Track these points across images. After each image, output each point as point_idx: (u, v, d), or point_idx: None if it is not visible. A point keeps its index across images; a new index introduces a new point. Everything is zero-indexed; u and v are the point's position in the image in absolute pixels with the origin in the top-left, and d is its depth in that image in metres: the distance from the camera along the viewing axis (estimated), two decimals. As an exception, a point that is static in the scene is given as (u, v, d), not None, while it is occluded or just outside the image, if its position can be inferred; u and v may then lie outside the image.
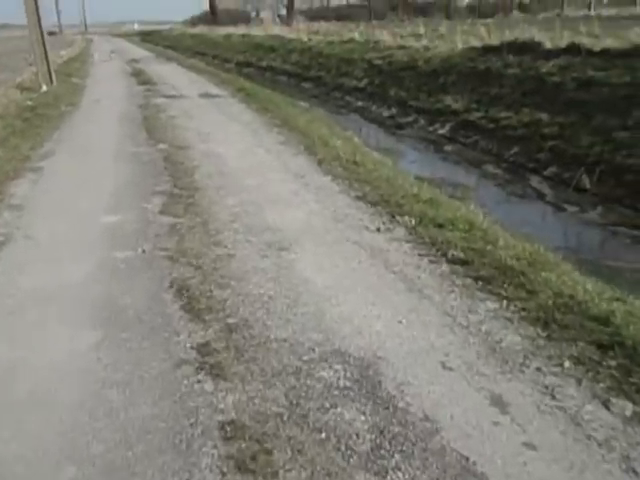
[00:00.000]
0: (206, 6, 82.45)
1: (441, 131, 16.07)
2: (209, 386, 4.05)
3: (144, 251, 6.24)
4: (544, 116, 13.61)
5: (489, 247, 6.19)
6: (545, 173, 11.89)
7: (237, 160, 9.92)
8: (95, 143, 11.60)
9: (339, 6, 65.55)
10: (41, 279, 5.66)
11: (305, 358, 4.37)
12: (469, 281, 5.55)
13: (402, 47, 23.04)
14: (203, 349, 4.45)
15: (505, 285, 5.39)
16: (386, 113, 18.90)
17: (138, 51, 45.39)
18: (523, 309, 4.98)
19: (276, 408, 3.84)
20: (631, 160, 10.54)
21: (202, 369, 4.22)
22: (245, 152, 10.50)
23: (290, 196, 7.98)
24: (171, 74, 25.07)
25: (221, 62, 35.86)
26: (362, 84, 21.99)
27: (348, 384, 4.11)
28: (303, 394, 3.99)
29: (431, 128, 16.49)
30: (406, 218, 6.96)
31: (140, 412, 3.79)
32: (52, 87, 19.11)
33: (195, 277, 5.63)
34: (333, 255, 6.14)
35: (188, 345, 4.51)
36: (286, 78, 28.25)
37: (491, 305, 5.12)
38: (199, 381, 4.09)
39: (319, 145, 10.61)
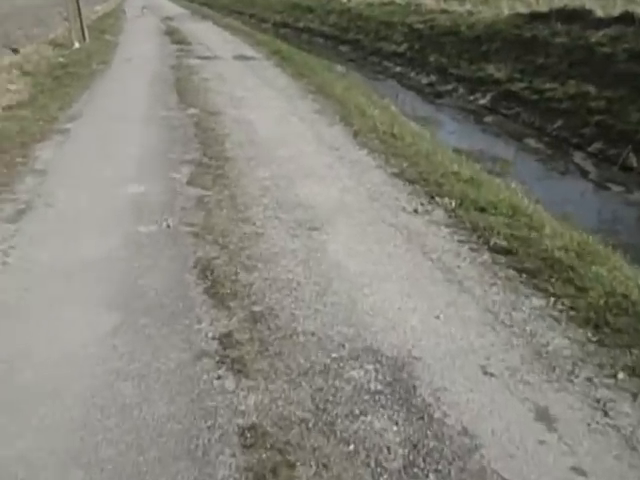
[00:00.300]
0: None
1: (481, 101, 15.55)
2: (230, 383, 3.77)
3: (169, 226, 5.95)
4: (591, 89, 13.04)
5: (534, 235, 5.80)
6: (589, 149, 11.41)
7: (269, 128, 9.55)
8: (124, 105, 11.30)
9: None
10: (60, 253, 5.41)
11: (334, 355, 4.07)
12: (513, 273, 5.18)
13: (445, 11, 22.27)
14: (225, 340, 4.17)
15: (552, 280, 5.02)
16: (425, 80, 18.34)
17: (173, 8, 44.66)
18: (572, 308, 4.61)
19: (301, 413, 3.56)
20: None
21: (223, 363, 3.94)
22: (278, 120, 10.12)
23: (323, 170, 7.62)
24: (206, 33, 24.59)
25: (257, 22, 35.23)
26: (401, 49, 21.37)
27: (380, 387, 3.80)
28: (331, 397, 3.69)
29: (471, 97, 15.96)
30: (446, 199, 6.57)
31: (155, 410, 3.52)
32: (84, 44, 18.81)
33: (220, 257, 5.33)
34: (367, 237, 5.80)
35: (210, 335, 4.23)
36: (323, 40, 27.59)
37: (537, 302, 4.75)
38: (219, 377, 3.82)
39: (356, 115, 10.19)
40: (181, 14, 38.06)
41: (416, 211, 6.39)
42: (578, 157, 11.24)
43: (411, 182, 7.18)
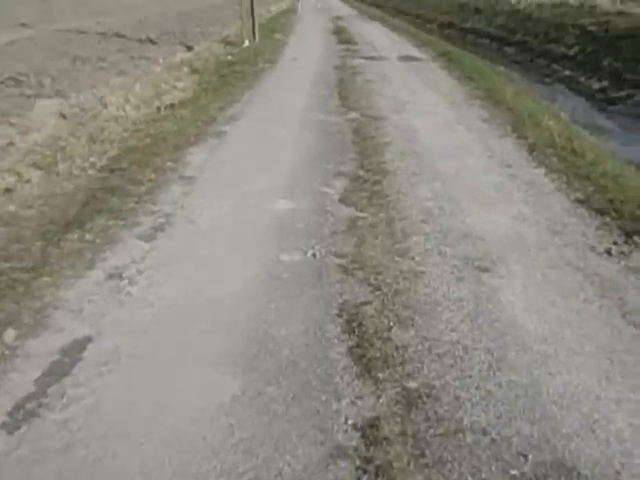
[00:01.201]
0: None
1: (661, 110, 13.46)
2: (372, 511, 2.62)
3: (315, 255, 4.87)
4: None
5: None
6: None
7: (433, 137, 8.27)
8: (284, 107, 10.31)
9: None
10: (190, 285, 4.45)
11: (513, 472, 2.82)
12: None
13: (621, 13, 19.95)
14: (370, 433, 3.02)
15: None
16: (596, 85, 16.28)
17: (343, 8, 43.90)
18: None
19: None
20: None
21: (365, 472, 2.79)
22: (443, 128, 8.80)
23: (493, 192, 6.27)
24: (372, 33, 23.41)
25: (423, 22, 33.67)
26: (571, 52, 19.27)
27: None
28: None
29: (650, 105, 13.88)
30: (647, 240, 5.06)
31: None
32: (254, 43, 18.19)
33: (372, 303, 4.19)
34: (549, 285, 4.45)
35: (350, 421, 3.10)
36: (488, 41, 25.68)
37: None
38: (359, 497, 2.68)
39: (529, 125, 8.65)
40: (350, 14, 37.24)
41: (609, 253, 4.94)
42: None
43: (600, 213, 5.67)
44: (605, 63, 17.08)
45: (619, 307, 4.18)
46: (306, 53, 17.30)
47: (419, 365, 3.54)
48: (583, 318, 4.05)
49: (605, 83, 16.09)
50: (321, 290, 4.36)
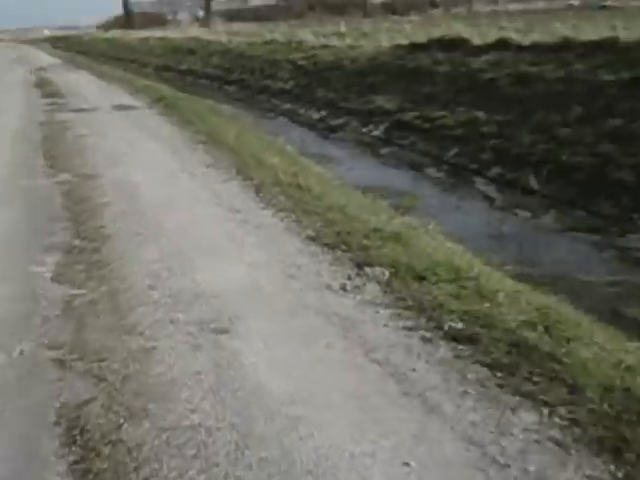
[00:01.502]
0: (120, 9, 78.70)
1: (375, 132, 14.76)
2: None
3: (22, 353, 4.18)
4: (481, 114, 12.42)
5: (489, 307, 4.41)
6: (489, 174, 10.69)
7: (156, 190, 7.84)
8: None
9: (257, 7, 63.82)
10: None
11: None
12: (485, 373, 3.74)
13: (325, 46, 21.48)
14: None
15: (534, 378, 3.63)
16: (315, 115, 17.37)
17: (46, 58, 41.49)
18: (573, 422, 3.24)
19: None
20: (578, 158, 9.52)
21: None
22: (165, 179, 8.41)
23: (224, 241, 6.04)
24: (81, 83, 22.28)
25: (138, 67, 33.27)
26: (288, 86, 20.30)
27: None
28: None
29: (364, 130, 15.17)
30: (377, 269, 5.09)
31: None
32: None
33: (96, 399, 3.64)
34: (291, 336, 4.27)
35: None
36: (208, 82, 26.22)
37: (528, 417, 3.35)
38: None
39: (254, 166, 8.63)
40: (53, 64, 35.17)
41: (344, 289, 4.90)
42: (480, 183, 10.49)
43: (331, 247, 5.66)
44: (320, 94, 18.17)
45: (361, 346, 4.11)
46: (3, 112, 15.78)
47: (157, 466, 3.08)
48: (328, 366, 3.90)
49: (323, 113, 17.15)
50: (33, 397, 3.70)
